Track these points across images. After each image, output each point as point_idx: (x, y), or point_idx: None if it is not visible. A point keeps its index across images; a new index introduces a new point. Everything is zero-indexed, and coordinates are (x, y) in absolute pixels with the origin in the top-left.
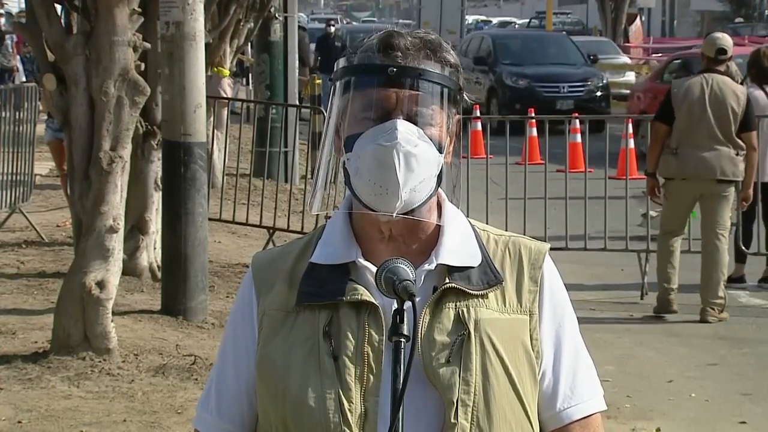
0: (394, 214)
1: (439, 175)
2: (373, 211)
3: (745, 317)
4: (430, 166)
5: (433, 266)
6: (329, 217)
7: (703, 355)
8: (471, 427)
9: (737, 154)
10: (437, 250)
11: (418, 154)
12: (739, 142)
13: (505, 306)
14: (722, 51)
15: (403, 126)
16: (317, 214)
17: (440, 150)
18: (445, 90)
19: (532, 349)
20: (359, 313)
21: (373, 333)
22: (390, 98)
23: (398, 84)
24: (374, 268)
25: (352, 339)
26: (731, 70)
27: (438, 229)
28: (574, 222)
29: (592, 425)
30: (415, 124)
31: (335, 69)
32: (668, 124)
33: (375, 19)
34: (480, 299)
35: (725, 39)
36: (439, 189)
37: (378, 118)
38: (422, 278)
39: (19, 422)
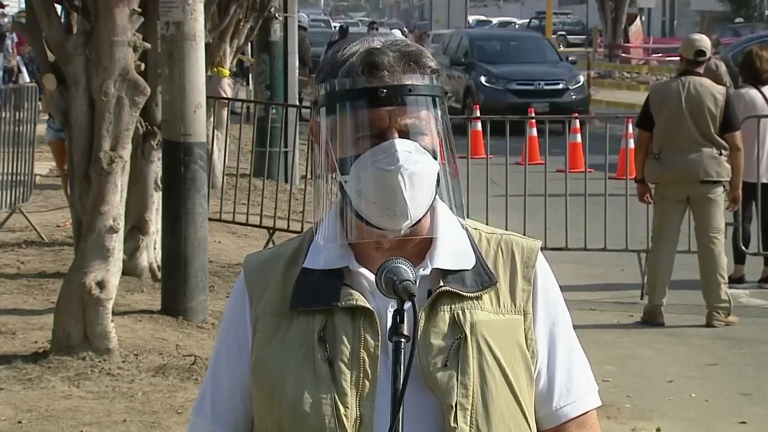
0: (402, 232)
1: (437, 180)
2: (378, 228)
3: (745, 317)
4: (430, 176)
5: (428, 271)
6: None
7: (703, 355)
8: (470, 430)
9: (720, 154)
10: (431, 253)
11: (420, 172)
12: (722, 141)
13: (499, 306)
14: (701, 53)
15: (401, 146)
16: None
17: (435, 156)
18: (432, 98)
19: (528, 349)
20: (354, 319)
21: (369, 338)
22: (383, 118)
23: (388, 102)
24: (369, 274)
25: (347, 344)
26: (720, 70)
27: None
28: (574, 222)
29: (588, 422)
30: (408, 136)
31: (318, 93)
32: (649, 130)
33: (368, 19)
34: (474, 301)
35: (703, 40)
36: None
37: (372, 138)
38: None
39: (19, 422)
